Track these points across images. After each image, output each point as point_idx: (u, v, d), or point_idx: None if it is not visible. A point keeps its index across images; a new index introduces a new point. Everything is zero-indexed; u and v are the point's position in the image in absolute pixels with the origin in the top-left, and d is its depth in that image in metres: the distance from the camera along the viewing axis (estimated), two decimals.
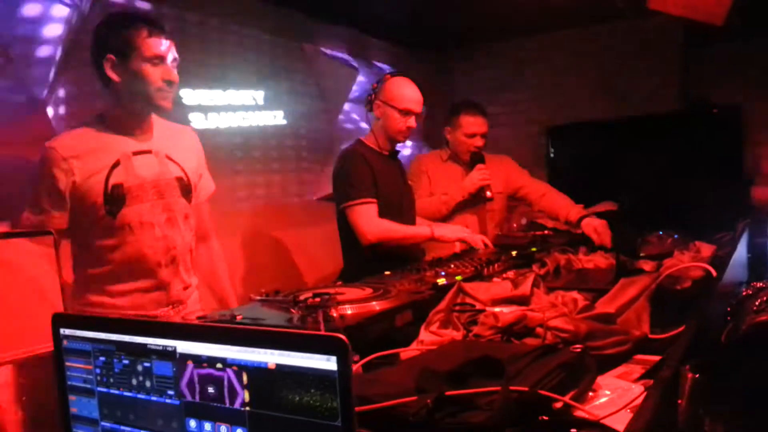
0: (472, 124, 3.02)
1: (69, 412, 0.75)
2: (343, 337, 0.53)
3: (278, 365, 0.58)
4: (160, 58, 1.74)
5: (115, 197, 1.72)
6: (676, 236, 2.58)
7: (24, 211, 1.72)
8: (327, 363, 0.55)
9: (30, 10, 2.23)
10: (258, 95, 3.49)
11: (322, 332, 0.52)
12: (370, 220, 2.35)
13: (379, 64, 4.41)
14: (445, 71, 4.99)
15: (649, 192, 3.23)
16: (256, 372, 0.60)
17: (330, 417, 0.56)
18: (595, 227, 2.69)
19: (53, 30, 2.31)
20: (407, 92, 2.50)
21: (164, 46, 1.75)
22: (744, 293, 1.06)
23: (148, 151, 1.82)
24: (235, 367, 0.61)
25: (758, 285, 1.05)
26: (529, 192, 3.14)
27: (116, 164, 1.73)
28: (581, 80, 4.47)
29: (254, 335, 0.61)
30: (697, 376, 0.75)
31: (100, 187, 1.70)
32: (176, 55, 1.80)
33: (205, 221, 2.09)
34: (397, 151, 2.65)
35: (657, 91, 4.15)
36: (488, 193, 2.90)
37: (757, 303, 1.00)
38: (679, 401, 0.76)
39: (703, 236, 2.31)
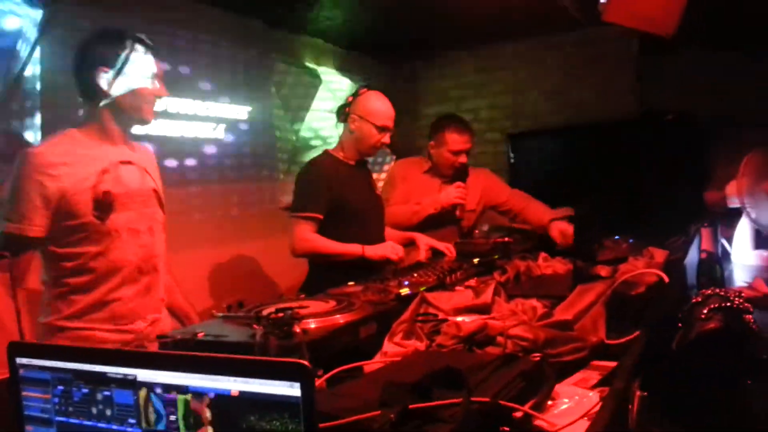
0: (457, 141, 2.97)
1: None
2: (306, 363, 0.54)
3: (241, 392, 0.59)
4: (153, 74, 1.82)
5: (104, 204, 1.73)
6: (631, 240, 2.65)
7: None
8: (290, 389, 0.56)
9: None
10: (219, 104, 3.46)
11: (286, 359, 0.53)
12: (303, 234, 2.39)
13: (344, 74, 4.43)
14: (408, 80, 5.03)
15: (606, 197, 3.30)
16: (219, 399, 0.60)
17: None
18: (562, 230, 2.74)
19: (6, 41, 2.27)
20: (384, 108, 2.50)
21: (156, 62, 1.83)
22: (693, 300, 1.10)
23: (131, 162, 1.85)
24: (197, 395, 0.61)
25: (707, 292, 1.10)
26: (511, 206, 3.11)
27: (105, 171, 1.75)
28: (540, 88, 4.57)
29: (216, 363, 0.61)
30: (645, 394, 0.79)
31: (89, 194, 1.71)
32: (164, 68, 1.86)
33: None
34: (365, 161, 2.65)
35: (612, 99, 4.27)
36: (458, 213, 2.90)
37: (704, 311, 1.05)
38: (631, 418, 0.79)
39: (658, 240, 2.38)
